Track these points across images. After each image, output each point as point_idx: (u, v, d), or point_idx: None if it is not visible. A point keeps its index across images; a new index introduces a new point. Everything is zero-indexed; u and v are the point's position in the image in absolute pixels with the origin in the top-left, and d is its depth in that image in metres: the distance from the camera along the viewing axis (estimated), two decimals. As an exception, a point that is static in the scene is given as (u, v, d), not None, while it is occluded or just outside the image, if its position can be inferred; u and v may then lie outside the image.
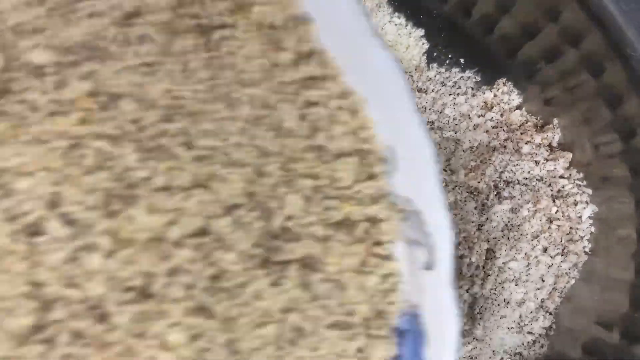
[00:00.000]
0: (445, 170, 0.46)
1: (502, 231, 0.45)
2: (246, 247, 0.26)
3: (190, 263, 0.25)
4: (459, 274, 0.44)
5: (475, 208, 0.45)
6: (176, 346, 0.25)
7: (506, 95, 0.47)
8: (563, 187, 0.46)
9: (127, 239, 0.24)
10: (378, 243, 0.29)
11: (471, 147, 0.46)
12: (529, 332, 0.45)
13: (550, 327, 0.46)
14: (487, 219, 0.45)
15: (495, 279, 0.44)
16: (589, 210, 0.45)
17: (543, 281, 0.45)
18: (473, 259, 0.44)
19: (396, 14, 0.48)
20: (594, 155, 0.44)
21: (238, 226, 0.26)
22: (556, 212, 0.45)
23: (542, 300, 0.45)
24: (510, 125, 0.47)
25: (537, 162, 0.46)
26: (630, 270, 0.41)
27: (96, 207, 0.24)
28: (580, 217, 0.45)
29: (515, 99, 0.47)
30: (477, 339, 0.44)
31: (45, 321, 0.23)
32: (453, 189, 0.45)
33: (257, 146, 0.27)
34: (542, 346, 0.45)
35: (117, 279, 0.24)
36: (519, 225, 0.45)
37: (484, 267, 0.45)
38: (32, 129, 0.25)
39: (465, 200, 0.45)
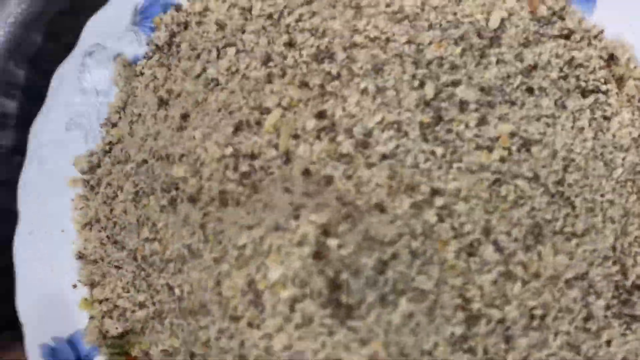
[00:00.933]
0: None
1: None
2: (607, 296, 0.29)
3: (573, 302, 0.28)
4: None
5: None
6: (548, 375, 0.28)
7: None
8: None
9: (535, 272, 0.27)
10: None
11: None
12: None
13: None
14: None
15: None
16: None
17: None
18: None
19: None
20: None
21: (605, 276, 0.29)
22: None
23: None
24: None
25: None
26: None
27: (517, 239, 0.27)
28: None
29: None
30: None
31: (468, 333, 0.26)
32: None
33: (623, 205, 0.30)
34: None
35: (526, 306, 0.27)
36: None
37: None
38: (463, 158, 0.28)
39: None
